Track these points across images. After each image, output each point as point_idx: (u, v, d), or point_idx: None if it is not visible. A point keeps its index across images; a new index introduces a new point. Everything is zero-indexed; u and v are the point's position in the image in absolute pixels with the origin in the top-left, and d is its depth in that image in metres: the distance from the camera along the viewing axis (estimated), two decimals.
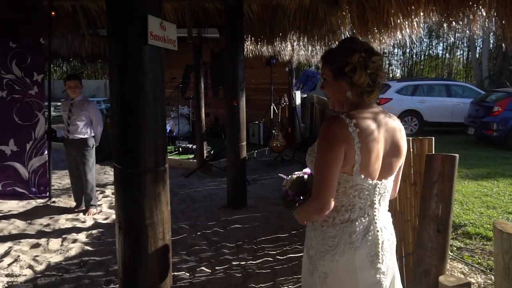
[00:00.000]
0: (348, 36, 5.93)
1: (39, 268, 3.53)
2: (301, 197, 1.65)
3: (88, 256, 3.76)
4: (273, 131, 7.74)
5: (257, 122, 9.51)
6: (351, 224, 1.49)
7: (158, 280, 1.82)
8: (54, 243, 4.05)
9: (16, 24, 4.85)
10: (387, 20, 4.37)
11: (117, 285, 3.23)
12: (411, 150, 2.61)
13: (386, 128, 1.50)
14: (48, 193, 5.14)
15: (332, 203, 1.44)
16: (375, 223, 1.53)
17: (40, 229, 4.41)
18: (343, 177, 1.45)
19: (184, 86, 10.38)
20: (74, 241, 4.11)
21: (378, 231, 1.52)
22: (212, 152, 7.65)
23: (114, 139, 1.76)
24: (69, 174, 5.03)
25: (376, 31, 4.80)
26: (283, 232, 4.33)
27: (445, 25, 3.62)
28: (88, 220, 4.70)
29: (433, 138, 2.62)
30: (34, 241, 4.09)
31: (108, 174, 6.99)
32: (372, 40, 5.20)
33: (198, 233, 4.32)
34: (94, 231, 4.37)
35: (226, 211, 5.04)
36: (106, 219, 4.77)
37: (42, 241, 4.08)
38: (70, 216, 4.82)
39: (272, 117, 8.79)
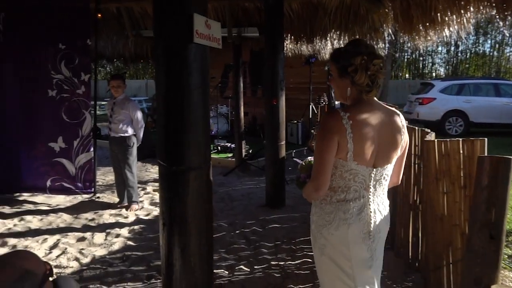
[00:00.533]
0: (391, 32, 5.79)
1: (85, 260, 3.66)
2: (306, 178, 1.88)
3: (131, 251, 3.85)
4: (312, 130, 7.64)
5: (295, 121, 9.44)
6: (346, 203, 1.70)
7: (200, 276, 1.83)
8: (99, 237, 4.19)
9: (65, 27, 5.06)
10: (434, 16, 4.20)
11: (158, 281, 3.29)
12: (461, 152, 2.49)
13: (382, 122, 1.67)
14: (93, 188, 5.33)
15: (327, 185, 1.67)
16: (369, 205, 1.72)
17: (85, 223, 4.57)
18: (339, 162, 1.66)
19: (223, 86, 10.47)
20: (117, 235, 4.23)
21: (371, 212, 1.73)
22: (250, 151, 7.66)
23: (159, 137, 1.79)
24: (113, 170, 5.19)
25: (421, 28, 4.64)
26: None
27: (499, 21, 3.43)
28: (130, 216, 4.82)
29: (486, 139, 2.49)
30: (80, 234, 4.24)
31: (149, 171, 7.17)
32: (417, 37, 5.03)
33: (237, 232, 4.34)
34: (136, 227, 4.48)
35: (264, 210, 5.03)
36: (147, 215, 4.88)
37: (88, 235, 4.23)
38: (113, 211, 4.97)
39: (310, 116, 8.70)
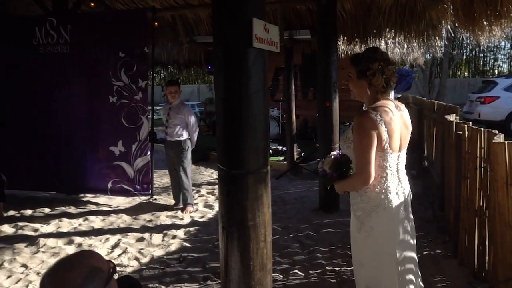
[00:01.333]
0: (450, 29, 5.52)
1: (144, 260, 3.79)
2: (333, 173, 2.13)
3: (187, 252, 3.94)
4: None
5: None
6: (387, 187, 2.01)
7: (259, 281, 1.83)
8: (156, 238, 4.33)
9: (124, 36, 5.30)
10: (500, 10, 3.95)
11: (214, 282, 3.34)
12: None
13: (398, 115, 2.02)
14: (150, 191, 5.52)
15: (373, 175, 1.93)
16: (401, 183, 2.08)
17: (144, 224, 4.74)
18: (378, 154, 1.94)
19: (273, 89, 10.49)
20: (174, 237, 4.35)
21: (404, 188, 2.10)
22: (302, 154, 7.61)
23: (219, 141, 1.81)
24: (169, 173, 5.35)
25: (485, 23, 4.37)
26: None
27: None
28: (186, 218, 4.94)
29: None
30: (139, 235, 4.41)
31: (203, 174, 7.32)
32: (480, 33, 4.76)
33: (290, 235, 4.31)
34: (191, 229, 4.59)
35: (318, 214, 4.96)
36: (202, 217, 4.98)
37: (146, 235, 4.38)
38: (169, 213, 5.12)
39: None
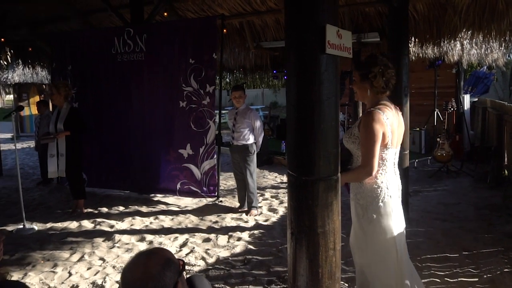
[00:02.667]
0: None
1: (210, 260, 3.90)
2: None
3: (251, 255, 3.99)
4: (438, 139, 7.07)
5: (418, 129, 8.85)
6: (386, 179, 2.27)
7: None
8: (222, 239, 4.43)
9: (195, 43, 5.51)
10: None
11: (279, 286, 3.35)
12: None
13: (396, 114, 2.30)
14: (216, 193, 5.67)
15: (376, 168, 2.18)
16: (396, 175, 2.37)
17: (210, 225, 4.88)
18: (380, 149, 2.20)
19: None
20: (239, 239, 4.42)
21: (399, 181, 2.39)
22: None
23: (289, 146, 1.82)
24: (234, 177, 5.46)
25: None
26: (452, 251, 3.89)
27: None
28: (250, 221, 5.01)
29: None
30: (205, 235, 4.54)
31: (267, 178, 7.38)
32: None
33: None
34: (255, 231, 4.64)
35: None
36: (266, 220, 5.02)
37: (212, 236, 4.51)
38: (234, 215, 5.22)
39: (435, 123, 8.06)
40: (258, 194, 5.93)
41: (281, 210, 5.38)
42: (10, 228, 4.86)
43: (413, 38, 6.05)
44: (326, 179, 1.73)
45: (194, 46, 5.52)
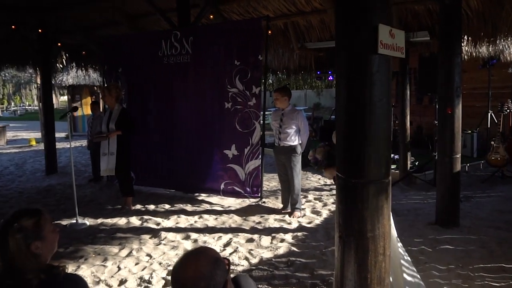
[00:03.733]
0: None
1: (253, 261, 3.91)
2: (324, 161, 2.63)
3: (295, 257, 3.96)
4: (492, 142, 6.71)
5: (469, 131, 8.44)
6: None
7: None
8: (265, 240, 4.43)
9: (240, 45, 5.57)
10: None
11: None
12: None
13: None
14: (259, 193, 5.69)
15: None
16: None
17: (253, 226, 4.90)
18: None
19: None
20: (282, 240, 4.41)
21: None
22: (416, 164, 7.14)
23: (339, 148, 1.79)
24: (279, 178, 5.45)
25: None
26: (508, 262, 3.67)
27: None
28: (293, 222, 4.98)
29: None
30: (248, 235, 4.56)
31: (310, 180, 7.32)
32: None
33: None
34: (299, 233, 4.61)
35: (434, 229, 4.60)
36: (309, 223, 4.97)
37: (255, 236, 4.51)
38: (277, 216, 5.21)
39: (489, 126, 7.66)
40: (301, 196, 5.89)
41: (325, 213, 5.31)
42: (64, 222, 5.12)
43: (465, 36, 5.78)
44: (377, 182, 1.69)
45: (239, 47, 5.58)
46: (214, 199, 6.02)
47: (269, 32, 5.78)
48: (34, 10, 7.49)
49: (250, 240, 4.44)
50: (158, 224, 5.02)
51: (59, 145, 10.02)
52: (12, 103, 40.46)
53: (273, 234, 4.58)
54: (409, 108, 6.91)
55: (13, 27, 7.92)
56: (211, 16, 6.90)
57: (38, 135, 14.35)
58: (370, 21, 1.61)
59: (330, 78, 11.14)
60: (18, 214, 1.57)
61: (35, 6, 7.39)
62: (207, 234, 4.62)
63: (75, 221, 5.03)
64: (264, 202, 5.83)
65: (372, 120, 1.65)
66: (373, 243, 1.73)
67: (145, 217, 5.26)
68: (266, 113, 6.07)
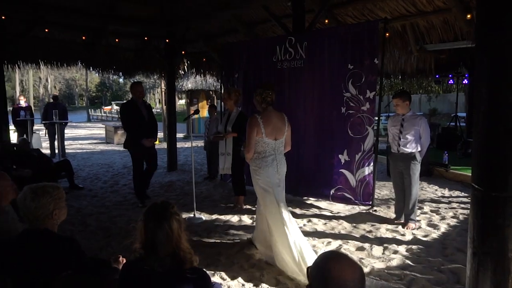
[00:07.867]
0: None
1: (364, 270, 3.78)
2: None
3: (408, 270, 3.74)
4: None
5: None
6: (266, 158, 3.84)
7: None
8: (377, 250, 4.27)
9: (354, 48, 5.47)
10: None
11: None
12: None
13: (275, 118, 3.88)
14: (371, 201, 5.50)
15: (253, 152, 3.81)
16: (276, 159, 3.88)
17: (363, 234, 4.75)
18: (259, 139, 3.79)
19: None
20: (395, 252, 4.20)
21: (277, 162, 3.90)
22: None
23: (476, 157, 1.65)
24: (394, 186, 5.19)
25: None
26: None
27: None
28: (407, 234, 4.71)
29: None
30: (359, 244, 4.43)
31: (426, 190, 6.85)
32: None
33: None
34: (414, 246, 4.34)
35: None
36: (425, 236, 4.65)
37: (366, 245, 4.37)
38: (389, 226, 4.97)
39: None
40: (417, 207, 5.55)
41: (443, 227, 4.92)
42: (183, 216, 5.55)
43: None
44: None
45: (354, 51, 5.47)
46: (323, 204, 5.98)
47: (387, 34, 5.56)
48: (164, 23, 8.33)
49: (361, 249, 4.32)
50: None
51: (177, 144, 10.93)
52: None
53: (385, 245, 4.39)
54: None
55: (146, 38, 8.94)
56: (326, 21, 6.89)
57: (160, 135, 15.80)
58: None
59: (451, 81, 10.29)
60: (167, 203, 1.78)
61: (165, 20, 8.22)
62: (316, 238, 4.61)
63: (192, 215, 5.43)
64: (375, 210, 5.62)
65: None
66: None
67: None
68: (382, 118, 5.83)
